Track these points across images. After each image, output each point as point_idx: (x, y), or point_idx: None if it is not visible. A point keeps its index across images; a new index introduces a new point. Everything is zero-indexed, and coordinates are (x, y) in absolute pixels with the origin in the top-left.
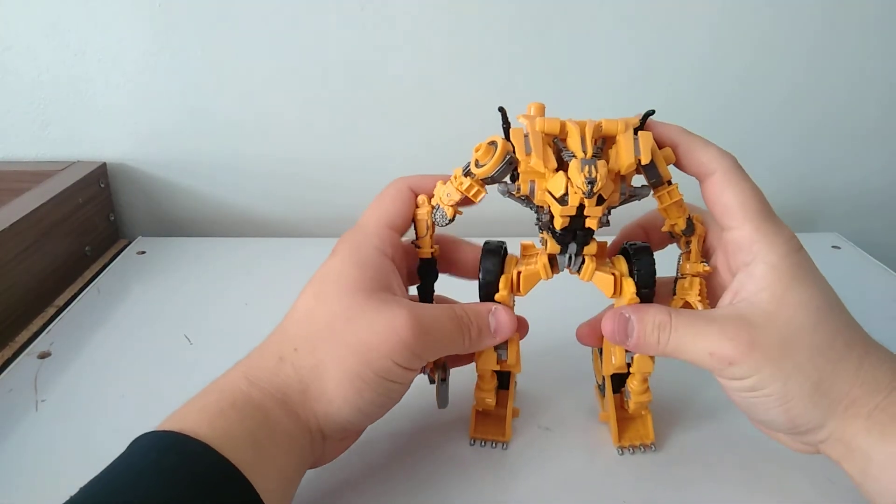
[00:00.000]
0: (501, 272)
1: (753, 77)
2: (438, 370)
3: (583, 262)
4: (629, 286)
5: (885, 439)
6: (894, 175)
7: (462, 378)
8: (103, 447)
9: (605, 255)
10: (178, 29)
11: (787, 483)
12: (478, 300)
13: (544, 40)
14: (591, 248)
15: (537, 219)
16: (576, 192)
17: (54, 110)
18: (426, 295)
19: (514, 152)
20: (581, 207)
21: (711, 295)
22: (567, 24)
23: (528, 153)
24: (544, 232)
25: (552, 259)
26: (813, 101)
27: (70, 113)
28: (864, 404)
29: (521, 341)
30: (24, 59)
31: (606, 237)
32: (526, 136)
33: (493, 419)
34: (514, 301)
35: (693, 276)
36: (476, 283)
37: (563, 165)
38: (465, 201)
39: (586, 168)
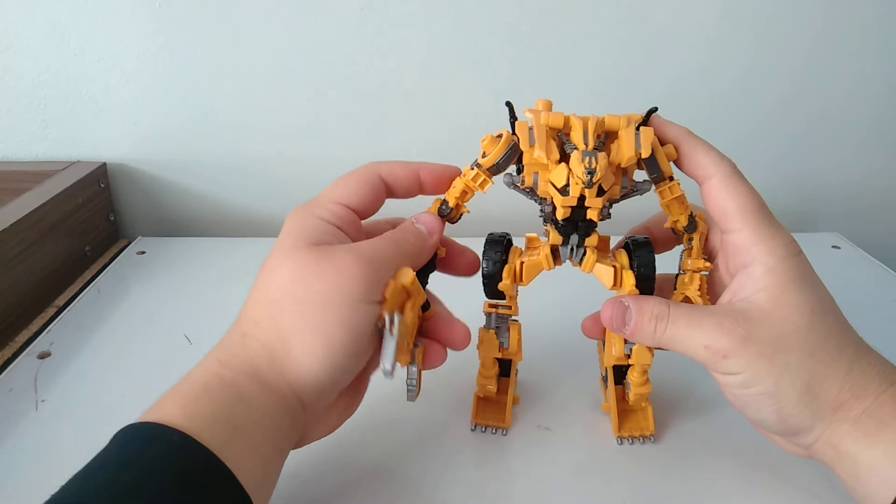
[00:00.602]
0: (505, 262)
1: (753, 76)
2: (390, 319)
3: (584, 253)
4: (629, 278)
5: (871, 444)
6: (894, 175)
7: (465, 365)
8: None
9: (607, 249)
10: (178, 29)
11: (785, 474)
12: (476, 300)
13: (544, 40)
14: (592, 240)
15: (541, 210)
16: (577, 183)
17: (54, 110)
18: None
19: (518, 143)
20: (582, 199)
21: (711, 295)
22: (567, 24)
23: (531, 145)
24: (548, 224)
25: (555, 250)
26: (813, 101)
27: (70, 113)
28: (852, 408)
29: (522, 332)
30: (24, 59)
31: (612, 236)
32: (531, 129)
33: (493, 406)
34: (517, 290)
35: (694, 271)
36: (469, 280)
37: (565, 158)
38: (468, 194)
39: (587, 159)
